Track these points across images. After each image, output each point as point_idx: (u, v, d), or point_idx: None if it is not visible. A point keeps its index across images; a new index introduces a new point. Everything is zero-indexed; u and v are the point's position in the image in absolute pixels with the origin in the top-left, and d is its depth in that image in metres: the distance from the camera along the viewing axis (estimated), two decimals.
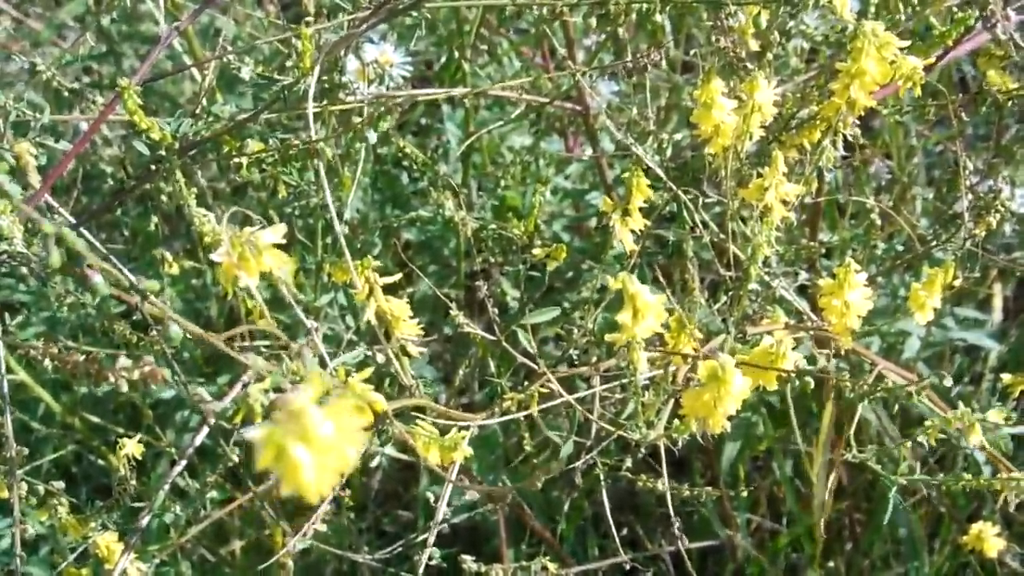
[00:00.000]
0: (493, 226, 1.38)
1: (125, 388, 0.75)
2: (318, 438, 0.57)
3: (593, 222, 1.92)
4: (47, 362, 0.81)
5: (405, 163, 1.50)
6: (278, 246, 0.79)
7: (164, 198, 1.53)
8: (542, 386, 1.12)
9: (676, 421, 1.01)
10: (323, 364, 0.90)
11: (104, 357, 0.77)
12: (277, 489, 0.58)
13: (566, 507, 1.78)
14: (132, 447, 1.18)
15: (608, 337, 0.95)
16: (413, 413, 1.07)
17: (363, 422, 0.59)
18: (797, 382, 1.09)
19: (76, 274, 0.96)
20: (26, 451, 1.09)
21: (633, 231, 1.16)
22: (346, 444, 0.58)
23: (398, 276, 1.03)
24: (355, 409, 0.59)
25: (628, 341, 0.94)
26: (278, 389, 0.71)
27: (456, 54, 1.60)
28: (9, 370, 1.60)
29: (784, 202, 1.12)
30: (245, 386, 0.95)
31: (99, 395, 1.82)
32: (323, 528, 1.04)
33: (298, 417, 0.57)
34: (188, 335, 0.86)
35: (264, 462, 0.57)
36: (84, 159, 1.90)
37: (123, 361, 0.74)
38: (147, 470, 1.84)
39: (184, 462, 1.19)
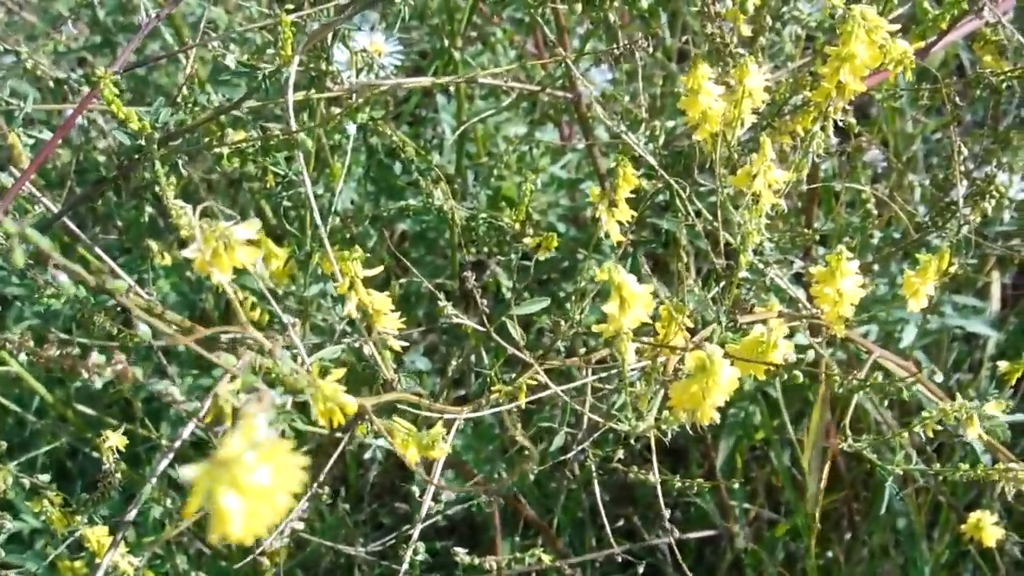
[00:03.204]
0: (484, 216, 1.37)
1: (99, 384, 0.74)
2: (249, 487, 0.56)
3: (589, 211, 1.90)
4: (22, 356, 0.80)
5: (398, 153, 1.48)
6: (273, 237, 0.78)
7: (155, 188, 1.52)
8: (533, 377, 1.11)
9: (666, 412, 1.00)
10: (301, 361, 0.89)
11: (79, 352, 0.76)
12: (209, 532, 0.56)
13: (562, 499, 1.77)
14: (116, 439, 1.17)
15: (595, 328, 0.94)
16: (403, 407, 1.06)
17: (301, 462, 0.57)
18: (787, 374, 1.08)
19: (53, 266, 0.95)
20: (4, 445, 1.08)
21: (621, 222, 1.15)
22: (279, 490, 0.57)
23: (379, 269, 1.02)
24: (291, 452, 0.57)
25: (615, 332, 0.93)
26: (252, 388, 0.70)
27: (447, 43, 1.58)
28: (3, 363, 1.59)
29: (775, 189, 1.11)
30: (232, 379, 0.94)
31: (93, 389, 1.81)
32: (300, 526, 1.03)
33: (229, 465, 0.55)
34: (167, 332, 0.85)
35: (192, 508, 0.56)
36: (78, 151, 1.89)
37: (96, 357, 0.73)
38: (142, 464, 1.84)
39: (172, 454, 1.18)
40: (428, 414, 1.03)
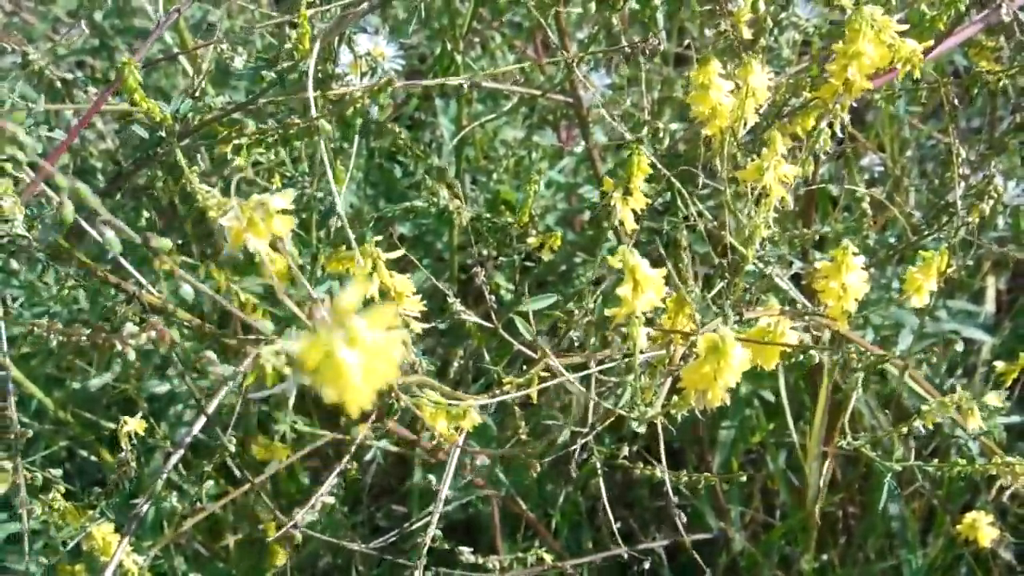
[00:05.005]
0: (488, 215, 1.38)
1: (132, 356, 0.74)
2: (365, 341, 0.56)
3: (586, 215, 1.92)
4: (52, 339, 0.81)
5: (399, 156, 1.49)
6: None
7: (159, 188, 1.52)
8: (541, 371, 1.12)
9: (675, 398, 1.00)
10: None
11: (88, 334, 0.76)
12: (321, 396, 0.55)
13: (560, 500, 1.78)
14: (134, 424, 1.17)
15: (608, 311, 0.95)
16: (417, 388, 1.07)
17: (402, 333, 0.57)
18: (794, 367, 1.09)
19: (77, 260, 0.95)
20: (30, 433, 1.08)
21: (634, 211, 1.15)
22: (391, 349, 0.57)
23: (401, 252, 1.03)
24: (393, 318, 0.57)
25: (628, 315, 0.94)
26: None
27: (449, 47, 1.60)
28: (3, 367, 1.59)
29: (782, 183, 1.12)
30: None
31: (92, 391, 1.81)
32: (315, 517, 1.03)
33: (345, 318, 0.55)
34: (187, 324, 0.86)
35: (310, 366, 0.56)
36: (75, 154, 1.90)
37: (129, 328, 0.73)
38: (141, 465, 1.84)
39: (180, 453, 1.18)
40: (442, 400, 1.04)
